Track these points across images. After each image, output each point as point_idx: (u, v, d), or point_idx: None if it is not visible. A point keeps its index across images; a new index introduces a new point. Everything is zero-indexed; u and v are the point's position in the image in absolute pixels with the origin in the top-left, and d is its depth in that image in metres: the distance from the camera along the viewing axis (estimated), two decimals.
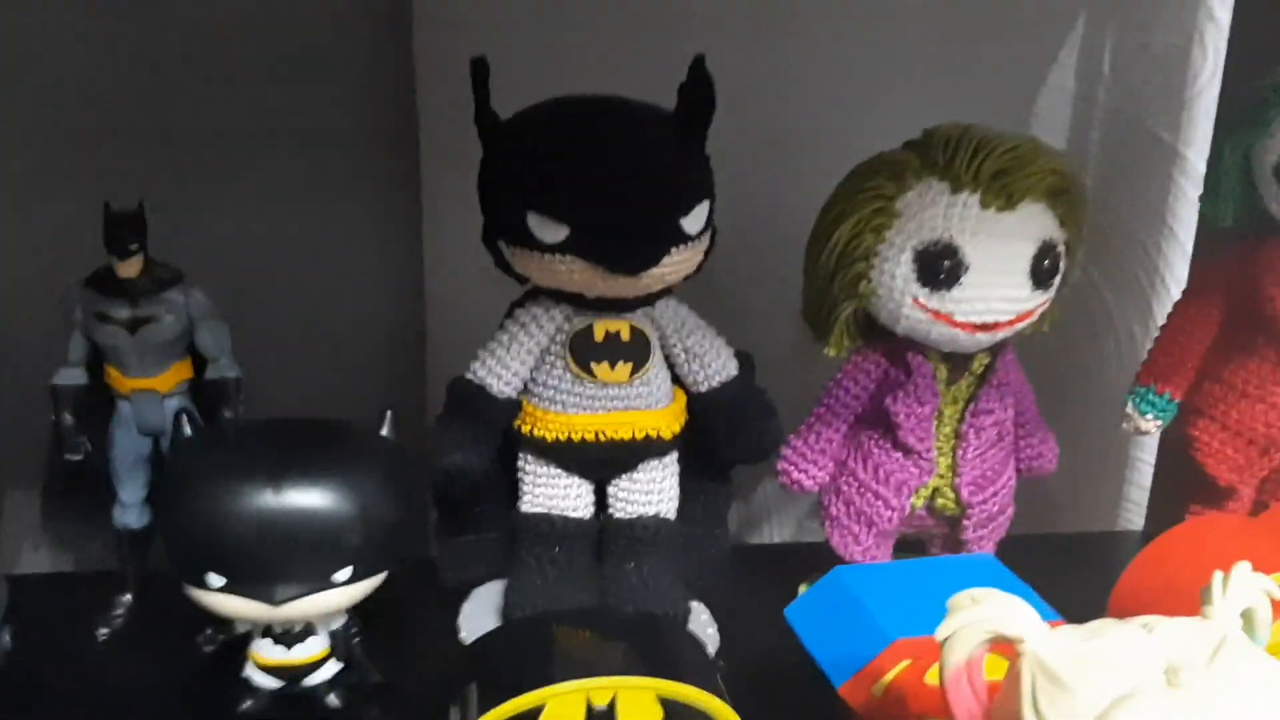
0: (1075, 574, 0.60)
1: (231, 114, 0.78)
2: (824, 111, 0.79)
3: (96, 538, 0.65)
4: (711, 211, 0.57)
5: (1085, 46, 0.84)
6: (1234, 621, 0.40)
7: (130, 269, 0.59)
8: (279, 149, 0.79)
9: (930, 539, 0.67)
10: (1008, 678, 0.40)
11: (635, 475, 0.61)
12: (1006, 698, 0.40)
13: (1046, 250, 0.59)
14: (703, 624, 0.62)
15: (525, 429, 0.60)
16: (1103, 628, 0.40)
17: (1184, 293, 0.68)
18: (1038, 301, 0.59)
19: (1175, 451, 0.70)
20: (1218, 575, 0.41)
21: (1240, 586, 0.41)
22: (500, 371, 0.59)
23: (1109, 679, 0.38)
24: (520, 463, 0.61)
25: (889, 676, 0.51)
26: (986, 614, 0.40)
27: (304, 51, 0.78)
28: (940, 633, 0.41)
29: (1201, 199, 0.66)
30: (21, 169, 0.76)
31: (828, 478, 0.64)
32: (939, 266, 0.57)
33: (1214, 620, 0.40)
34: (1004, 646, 0.41)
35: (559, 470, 0.60)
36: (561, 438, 0.59)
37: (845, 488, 0.64)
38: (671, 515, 0.62)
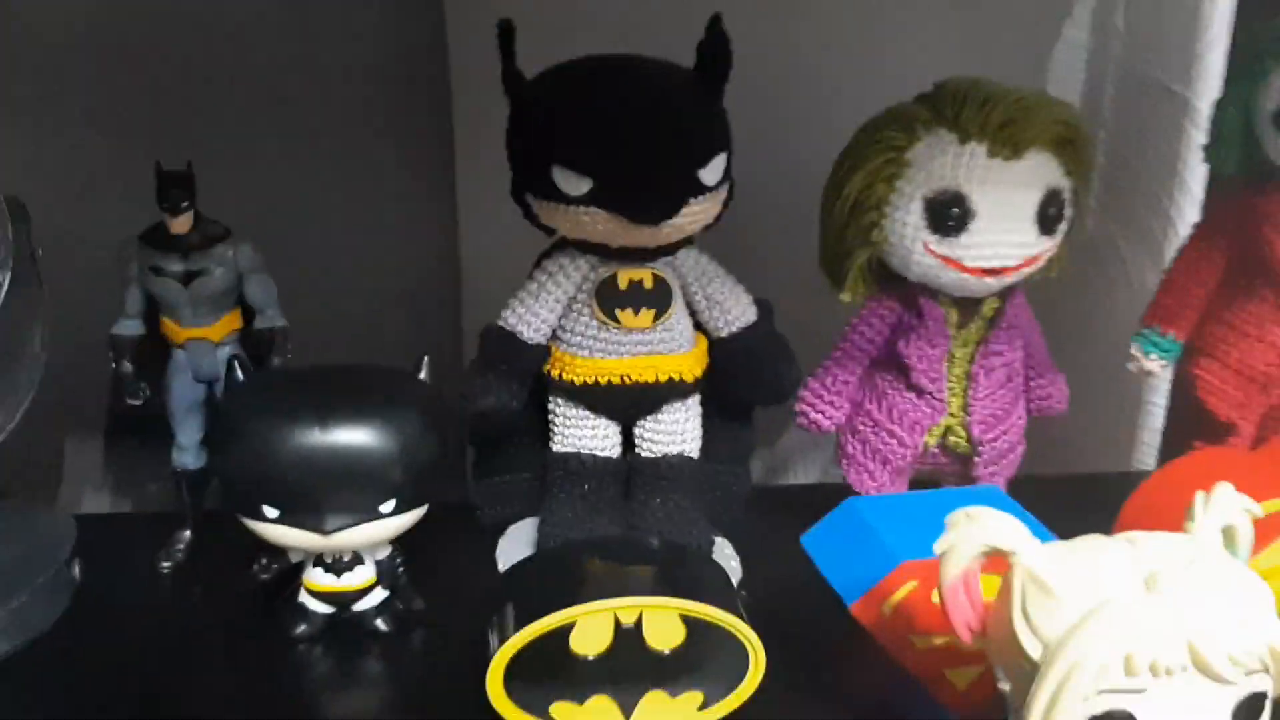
0: (1086, 514, 0.61)
1: (271, 79, 0.80)
2: (839, 67, 0.81)
3: (156, 479, 0.67)
4: (729, 164, 0.59)
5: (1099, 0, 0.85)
6: (1213, 535, 0.43)
7: (182, 225, 0.61)
8: (321, 113, 0.81)
9: (944, 477, 0.69)
10: (1001, 588, 0.43)
11: (660, 416, 0.64)
12: (1000, 607, 0.43)
13: (1052, 197, 0.61)
14: (725, 557, 0.64)
15: (555, 373, 0.63)
16: (1088, 541, 0.43)
17: (1189, 238, 0.70)
18: (1044, 247, 0.61)
19: (1186, 394, 0.72)
20: (1199, 494, 0.44)
21: (1220, 504, 0.44)
22: (530, 319, 0.61)
23: (1093, 585, 0.41)
24: (551, 405, 0.64)
25: (897, 596, 0.54)
26: (981, 528, 0.43)
27: (340, 15, 0.80)
28: (938, 546, 0.44)
29: (1205, 148, 0.67)
30: (84, 132, 0.79)
31: (844, 418, 0.67)
32: (948, 214, 0.60)
33: (1193, 534, 0.43)
34: (998, 562, 0.44)
35: (587, 412, 0.63)
36: (589, 381, 0.62)
37: (861, 427, 0.66)
38: (695, 454, 0.65)
